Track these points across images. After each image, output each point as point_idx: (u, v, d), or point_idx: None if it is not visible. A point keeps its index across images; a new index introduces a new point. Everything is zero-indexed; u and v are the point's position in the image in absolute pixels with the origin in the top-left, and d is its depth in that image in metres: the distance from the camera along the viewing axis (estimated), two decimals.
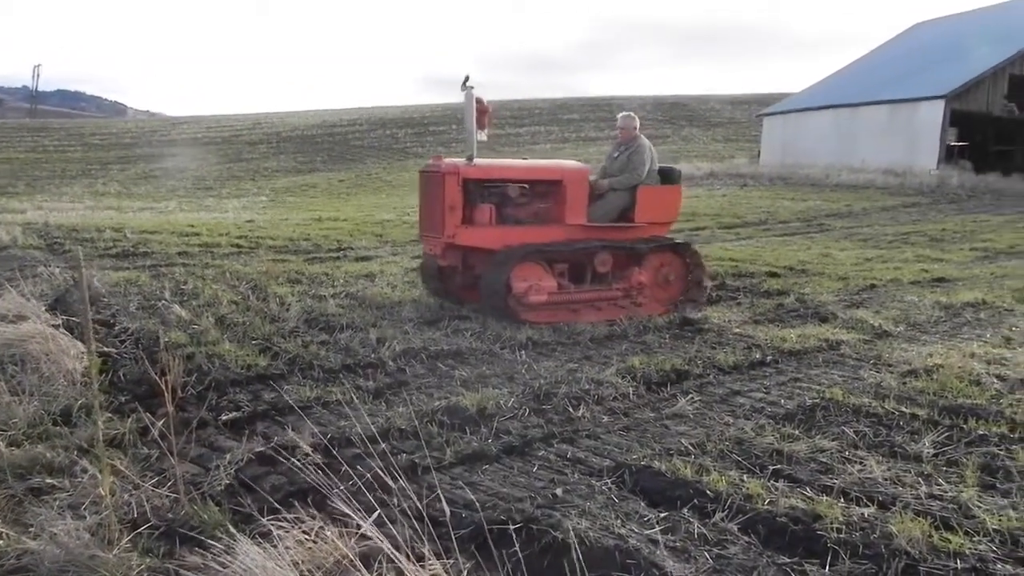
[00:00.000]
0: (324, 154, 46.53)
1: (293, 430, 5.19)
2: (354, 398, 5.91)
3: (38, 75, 75.11)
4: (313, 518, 3.77)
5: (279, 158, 46.13)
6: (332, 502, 4.15)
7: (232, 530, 3.69)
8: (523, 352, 7.33)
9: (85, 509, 4.33)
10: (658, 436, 5.34)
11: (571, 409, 5.76)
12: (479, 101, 8.93)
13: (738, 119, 62.09)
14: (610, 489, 4.40)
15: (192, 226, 18.35)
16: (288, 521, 3.72)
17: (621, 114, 10.14)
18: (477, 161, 9.04)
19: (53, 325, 7.83)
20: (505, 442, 5.11)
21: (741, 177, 34.70)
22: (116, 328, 7.90)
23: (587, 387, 6.20)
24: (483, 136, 9.10)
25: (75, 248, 13.54)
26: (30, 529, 4.18)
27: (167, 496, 4.41)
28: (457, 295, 9.59)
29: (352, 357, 6.95)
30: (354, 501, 3.67)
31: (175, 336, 7.47)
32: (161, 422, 4.98)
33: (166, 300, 9.13)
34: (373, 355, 7.00)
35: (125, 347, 7.33)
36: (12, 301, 8.90)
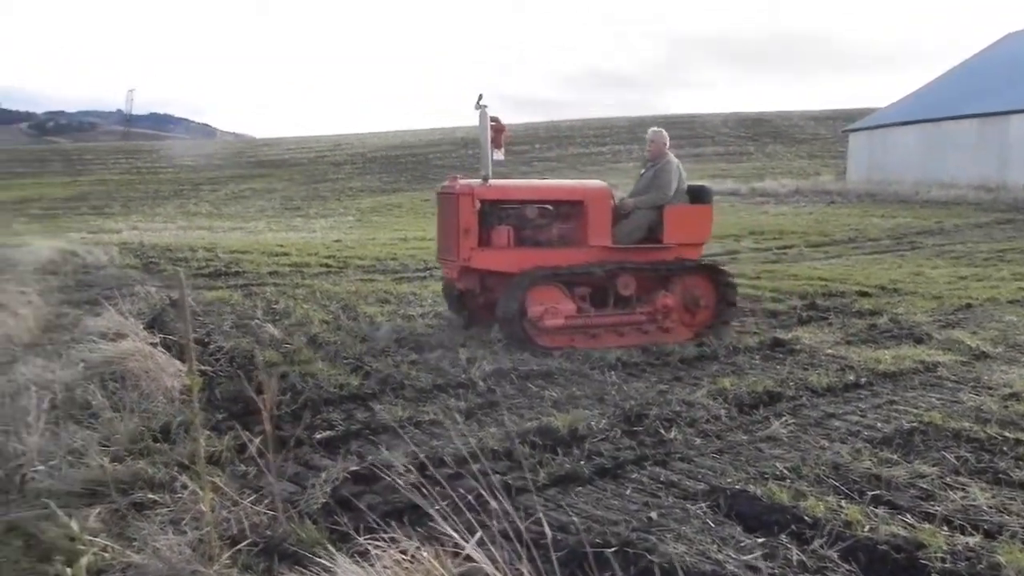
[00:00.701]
0: (408, 174, 47.07)
1: (387, 449, 5.26)
2: (446, 418, 5.96)
3: (132, 99, 77.31)
4: (409, 538, 3.80)
5: (364, 178, 46.75)
6: (429, 522, 4.19)
7: (331, 549, 3.74)
8: (613, 373, 7.31)
9: (186, 524, 4.43)
10: (752, 459, 5.27)
11: (663, 431, 5.71)
12: (494, 120, 8.81)
13: (822, 135, 61.19)
14: (705, 513, 4.36)
15: (281, 246, 18.69)
16: (385, 540, 3.75)
17: (651, 129, 9.89)
18: (493, 182, 8.86)
19: (151, 343, 8.03)
20: (597, 464, 5.09)
21: (828, 194, 34.15)
22: (211, 347, 8.07)
23: (678, 409, 6.16)
24: (499, 155, 8.96)
25: (176, 269, 13.89)
26: (134, 543, 4.28)
27: (265, 513, 4.48)
28: (479, 318, 9.37)
29: (443, 377, 7.01)
30: (450, 521, 3.69)
31: (269, 355, 7.62)
32: (258, 440, 5.09)
33: (259, 319, 9.31)
34: (463, 375, 7.05)
35: (220, 365, 7.49)
36: (111, 319, 9.15)
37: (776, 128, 64.91)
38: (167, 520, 4.52)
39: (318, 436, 5.63)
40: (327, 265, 15.31)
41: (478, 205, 8.69)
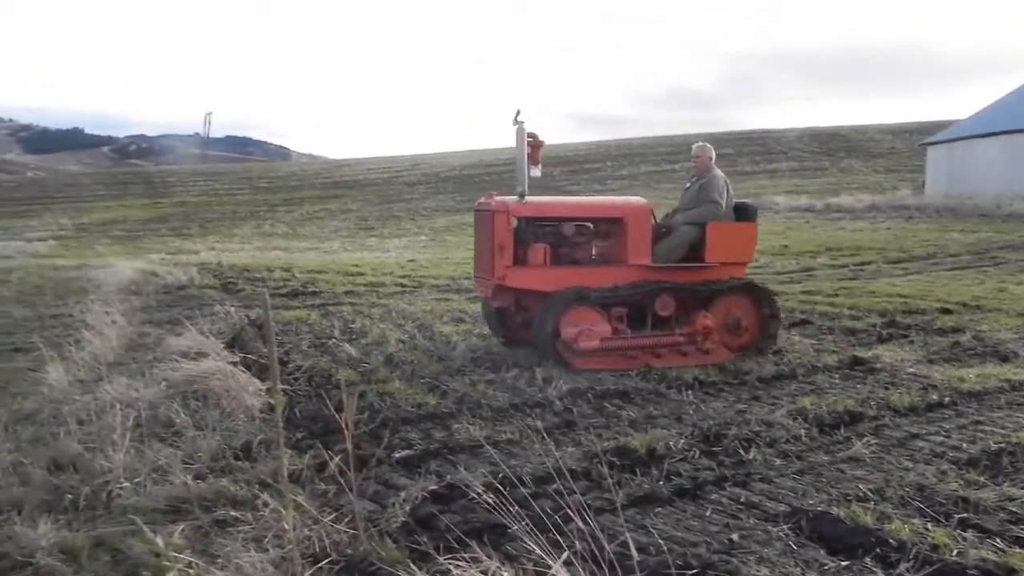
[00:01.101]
0: (482, 193, 46.93)
1: (465, 469, 5.28)
2: (523, 437, 5.96)
3: (209, 122, 78.90)
4: (490, 558, 3.81)
5: (437, 197, 47.11)
6: (508, 542, 4.20)
7: (413, 567, 3.76)
8: (690, 392, 7.26)
9: (268, 542, 4.48)
10: (834, 481, 5.18)
11: (742, 451, 5.65)
12: (532, 136, 8.69)
13: (899, 149, 60.10)
14: (787, 535, 4.30)
15: (357, 266, 18.89)
16: (467, 560, 3.76)
17: (696, 144, 9.64)
18: (530, 198, 8.73)
19: (231, 362, 8.17)
20: (676, 484, 5.06)
21: (906, 209, 33.51)
22: (290, 366, 8.18)
23: (757, 429, 6.09)
24: (536, 172, 8.83)
25: (255, 289, 14.14)
26: (217, 560, 4.35)
27: (345, 532, 4.52)
28: (517, 337, 9.23)
29: (519, 396, 7.02)
30: (531, 540, 3.69)
31: (347, 374, 7.70)
32: (337, 458, 5.14)
33: (336, 339, 9.43)
34: (540, 394, 7.06)
35: (299, 385, 7.59)
36: (192, 339, 9.34)
37: (851, 143, 63.96)
38: (249, 537, 4.59)
39: (396, 455, 5.67)
40: (402, 284, 15.44)
41: (514, 222, 8.59)
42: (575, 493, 4.84)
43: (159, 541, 4.44)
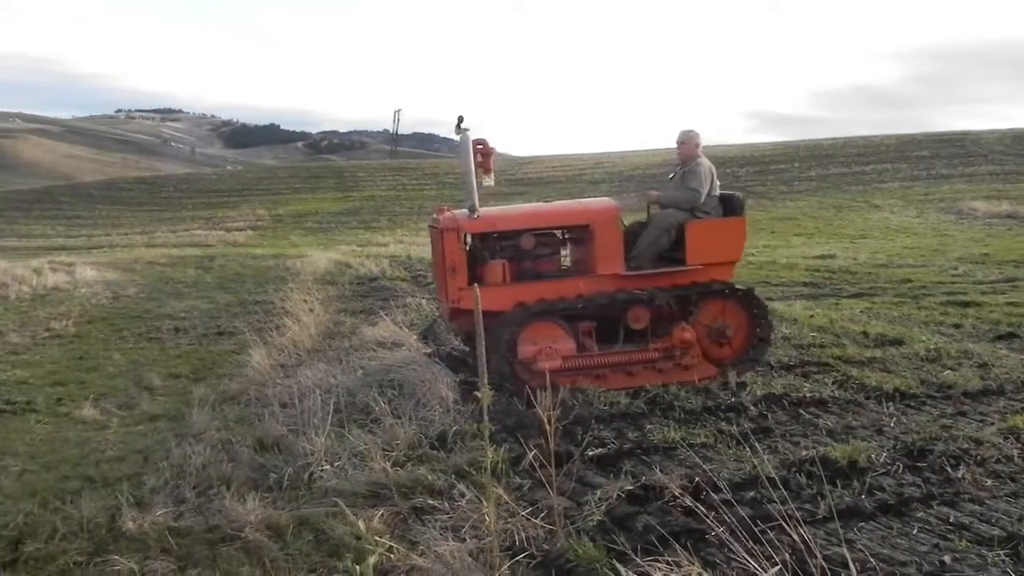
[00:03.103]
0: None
1: (660, 470, 5.23)
2: (717, 442, 5.87)
3: (398, 119, 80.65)
4: (691, 563, 3.76)
5: (621, 196, 47.07)
6: (707, 547, 4.14)
7: (616, 565, 3.74)
8: (890, 404, 6.95)
9: (465, 532, 4.56)
10: None
11: (949, 469, 5.37)
12: (480, 143, 7.94)
13: None
14: (1004, 561, 4.07)
15: None
16: (668, 563, 3.72)
17: (682, 130, 8.68)
18: (483, 211, 7.93)
19: (426, 353, 8.36)
20: (880, 499, 4.86)
21: None
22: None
23: (965, 446, 5.76)
24: (489, 181, 8.09)
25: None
26: (416, 546, 4.45)
27: (542, 527, 4.54)
28: None
29: (712, 399, 6.92)
30: (731, 548, 3.62)
31: None
32: (531, 454, 5.17)
33: None
34: (733, 398, 6.93)
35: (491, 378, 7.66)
36: (387, 329, 9.61)
37: None
38: (447, 526, 4.68)
39: (590, 453, 5.67)
40: None
41: (467, 240, 7.78)
42: (774, 502, 4.73)
43: (361, 524, 4.58)
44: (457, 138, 7.83)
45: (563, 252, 8.15)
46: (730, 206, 8.38)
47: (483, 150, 7.95)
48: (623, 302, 7.77)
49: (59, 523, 5.29)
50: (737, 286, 8.16)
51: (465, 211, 7.87)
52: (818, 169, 48.22)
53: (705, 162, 8.39)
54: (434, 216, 8.24)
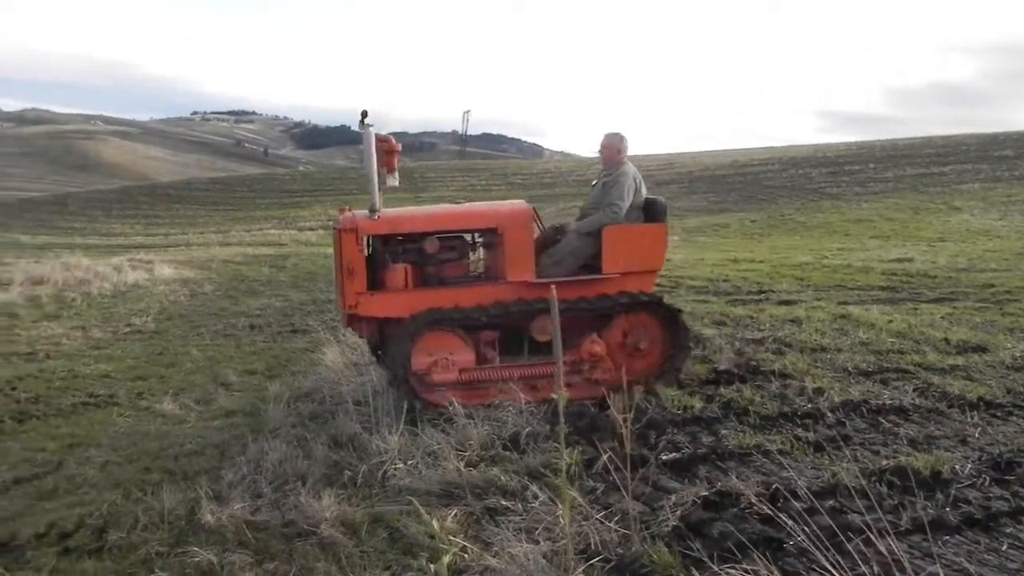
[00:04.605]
0: (735, 194, 46.23)
1: (736, 477, 5.15)
2: (794, 449, 5.77)
3: (467, 120, 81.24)
4: (769, 572, 3.70)
5: (690, 198, 46.52)
6: (785, 557, 4.06)
7: (693, 571, 3.70)
8: (974, 413, 6.76)
9: (539, 534, 4.54)
10: None
11: None
12: (384, 140, 7.58)
13: None
14: None
15: None
16: (743, 571, 3.66)
17: (607, 133, 8.13)
18: (385, 212, 7.55)
19: None
20: (965, 512, 4.71)
21: None
22: None
23: None
24: (394, 181, 7.75)
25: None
26: (490, 547, 4.44)
27: (616, 531, 4.50)
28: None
29: (788, 405, 6.78)
30: (811, 559, 3.55)
31: None
32: (604, 457, 5.14)
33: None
34: (809, 405, 6.78)
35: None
36: None
37: None
38: (520, 528, 4.67)
39: (664, 457, 5.60)
40: (658, 284, 15.31)
41: (366, 242, 7.48)
42: (855, 512, 4.63)
43: (435, 523, 4.59)
44: (361, 131, 7.38)
45: (473, 257, 7.94)
46: (652, 212, 7.88)
47: (386, 148, 7.62)
48: (520, 313, 7.33)
49: (141, 514, 5.44)
50: (643, 298, 7.55)
51: (366, 212, 7.51)
52: (894, 170, 47.28)
53: (630, 169, 7.88)
54: (338, 217, 7.77)
